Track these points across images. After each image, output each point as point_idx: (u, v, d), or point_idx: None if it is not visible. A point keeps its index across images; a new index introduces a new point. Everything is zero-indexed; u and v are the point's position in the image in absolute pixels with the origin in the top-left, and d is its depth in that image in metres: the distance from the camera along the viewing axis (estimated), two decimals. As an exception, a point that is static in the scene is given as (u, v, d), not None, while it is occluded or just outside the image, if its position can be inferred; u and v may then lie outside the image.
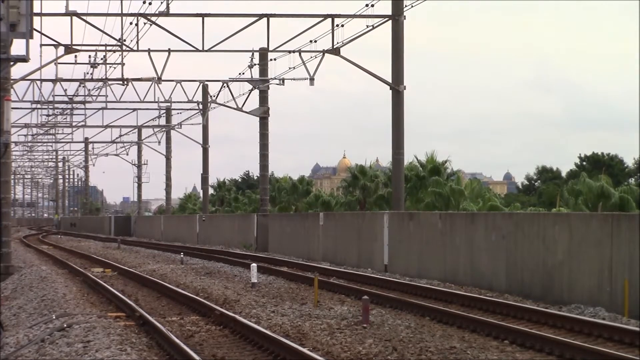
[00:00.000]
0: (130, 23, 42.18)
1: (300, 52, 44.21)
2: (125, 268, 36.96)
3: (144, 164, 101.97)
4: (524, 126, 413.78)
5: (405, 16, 38.31)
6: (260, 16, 41.43)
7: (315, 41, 42.55)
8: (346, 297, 24.72)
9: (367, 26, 39.29)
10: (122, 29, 42.70)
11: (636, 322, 18.83)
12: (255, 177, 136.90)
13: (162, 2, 40.02)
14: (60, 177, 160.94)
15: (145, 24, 41.68)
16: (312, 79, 45.03)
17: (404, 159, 39.80)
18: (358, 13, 39.34)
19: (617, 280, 20.60)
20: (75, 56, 47.36)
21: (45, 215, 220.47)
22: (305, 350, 15.26)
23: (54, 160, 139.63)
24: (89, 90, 58.80)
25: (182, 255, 42.82)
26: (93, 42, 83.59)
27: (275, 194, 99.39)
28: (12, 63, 22.02)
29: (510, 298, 23.38)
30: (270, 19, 41.66)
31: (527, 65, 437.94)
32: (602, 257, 21.29)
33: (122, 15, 41.70)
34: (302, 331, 18.20)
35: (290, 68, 46.95)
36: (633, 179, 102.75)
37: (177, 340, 16.13)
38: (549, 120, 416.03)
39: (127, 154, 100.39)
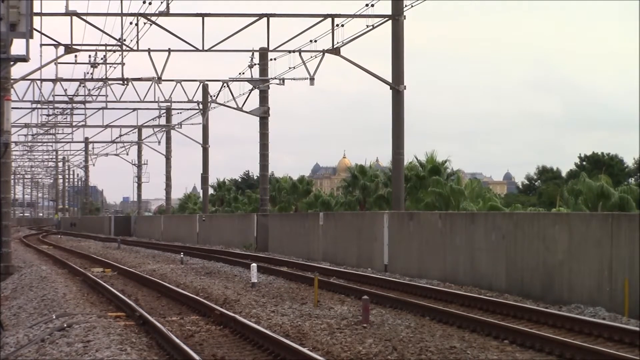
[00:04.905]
0: (130, 23, 42.23)
1: (300, 52, 44.22)
2: (125, 268, 36.97)
3: (144, 164, 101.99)
4: (524, 126, 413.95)
5: (405, 16, 38.33)
6: (260, 16, 41.42)
7: (315, 41, 42.59)
8: (346, 297, 24.72)
9: (367, 26, 39.30)
10: (122, 28, 42.74)
11: (636, 322, 18.83)
12: (255, 177, 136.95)
13: (162, 2, 40.05)
14: (60, 177, 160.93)
15: (145, 23, 41.70)
16: (312, 79, 45.05)
17: (404, 159, 39.80)
18: (358, 13, 39.37)
19: (617, 280, 20.60)
20: (75, 56, 47.41)
21: (41, 214, 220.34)
22: (305, 350, 15.26)
23: (54, 160, 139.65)
24: (89, 90, 58.80)
25: (182, 255, 42.82)
26: (93, 42, 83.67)
27: (275, 193, 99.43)
28: (12, 63, 22.00)
29: (510, 298, 23.38)
30: (270, 19, 41.66)
31: (527, 65, 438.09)
32: (602, 257, 21.29)
33: (122, 15, 41.68)
34: (302, 331, 18.20)
35: (290, 68, 47.00)
36: (633, 179, 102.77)
37: (177, 340, 16.13)
38: (549, 120, 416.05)
39: (127, 154, 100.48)
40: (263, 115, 54.35)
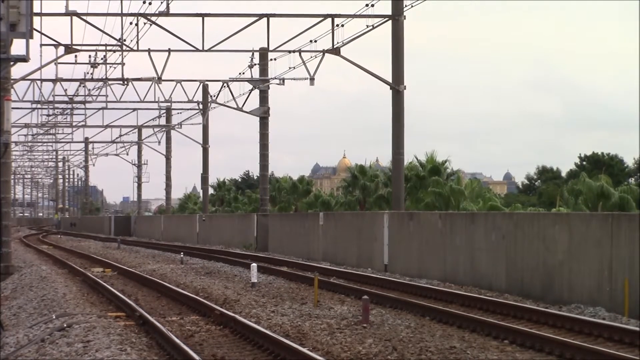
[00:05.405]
0: (130, 23, 42.23)
1: (300, 52, 44.22)
2: (125, 268, 36.97)
3: (144, 164, 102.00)
4: (524, 126, 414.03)
5: (405, 16, 38.34)
6: (260, 16, 41.43)
7: (315, 41, 42.60)
8: (346, 297, 24.72)
9: (367, 26, 39.31)
10: (122, 29, 42.74)
11: (636, 322, 18.83)
12: (255, 177, 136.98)
13: (162, 2, 40.05)
14: (60, 177, 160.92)
15: (145, 24, 41.72)
16: (312, 79, 45.04)
17: (404, 159, 39.80)
18: (358, 13, 39.38)
19: (617, 280, 20.60)
20: (75, 56, 47.38)
21: (41, 214, 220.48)
22: (305, 350, 15.26)
23: (54, 160, 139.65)
24: (89, 90, 58.82)
25: (182, 255, 42.82)
26: (93, 42, 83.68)
27: (275, 193, 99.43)
28: (12, 63, 22.00)
29: (510, 298, 23.38)
30: (270, 19, 41.66)
31: (527, 65, 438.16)
32: (602, 257, 21.29)
33: (122, 15, 41.69)
34: (302, 331, 18.20)
35: (290, 68, 47.00)
36: (633, 179, 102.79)
37: (177, 340, 16.13)
38: (549, 120, 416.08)
39: (127, 154, 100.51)
40: (263, 115, 54.34)
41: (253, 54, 50.38)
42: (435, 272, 29.32)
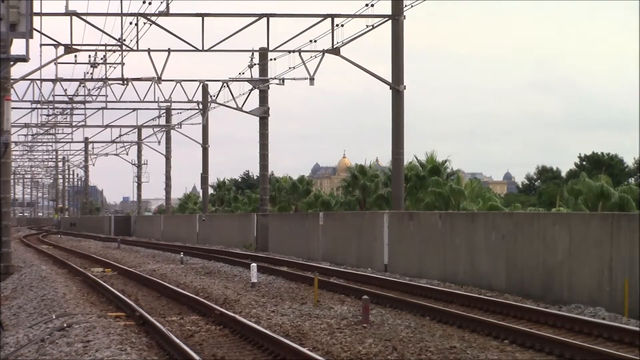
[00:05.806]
0: (130, 23, 42.23)
1: (300, 52, 44.22)
2: (125, 268, 36.97)
3: (144, 164, 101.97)
4: (524, 126, 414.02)
5: (405, 16, 38.34)
6: (260, 16, 41.43)
7: (315, 41, 42.60)
8: (346, 297, 24.72)
9: (367, 26, 39.30)
10: (122, 28, 42.73)
11: (636, 322, 18.83)
12: (255, 177, 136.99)
13: (162, 2, 40.04)
14: (60, 177, 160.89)
15: (145, 23, 41.71)
16: (312, 79, 45.04)
17: (404, 159, 39.81)
18: (358, 13, 39.35)
19: (617, 280, 20.60)
20: (75, 56, 47.42)
21: (40, 214, 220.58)
22: (305, 350, 15.26)
23: (54, 160, 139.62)
24: (89, 90, 58.83)
25: (182, 255, 42.80)
26: (93, 42, 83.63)
27: (275, 193, 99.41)
28: (12, 63, 22.02)
29: (510, 298, 23.38)
30: (270, 19, 41.67)
31: (527, 65, 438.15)
32: (602, 257, 21.29)
33: (122, 15, 41.69)
34: (302, 331, 18.20)
35: (290, 68, 46.99)
36: (633, 179, 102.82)
37: (177, 340, 16.13)
38: (549, 120, 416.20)
39: (127, 154, 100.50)
40: (263, 115, 54.35)
41: (253, 54, 50.38)
42: (435, 272, 29.32)
